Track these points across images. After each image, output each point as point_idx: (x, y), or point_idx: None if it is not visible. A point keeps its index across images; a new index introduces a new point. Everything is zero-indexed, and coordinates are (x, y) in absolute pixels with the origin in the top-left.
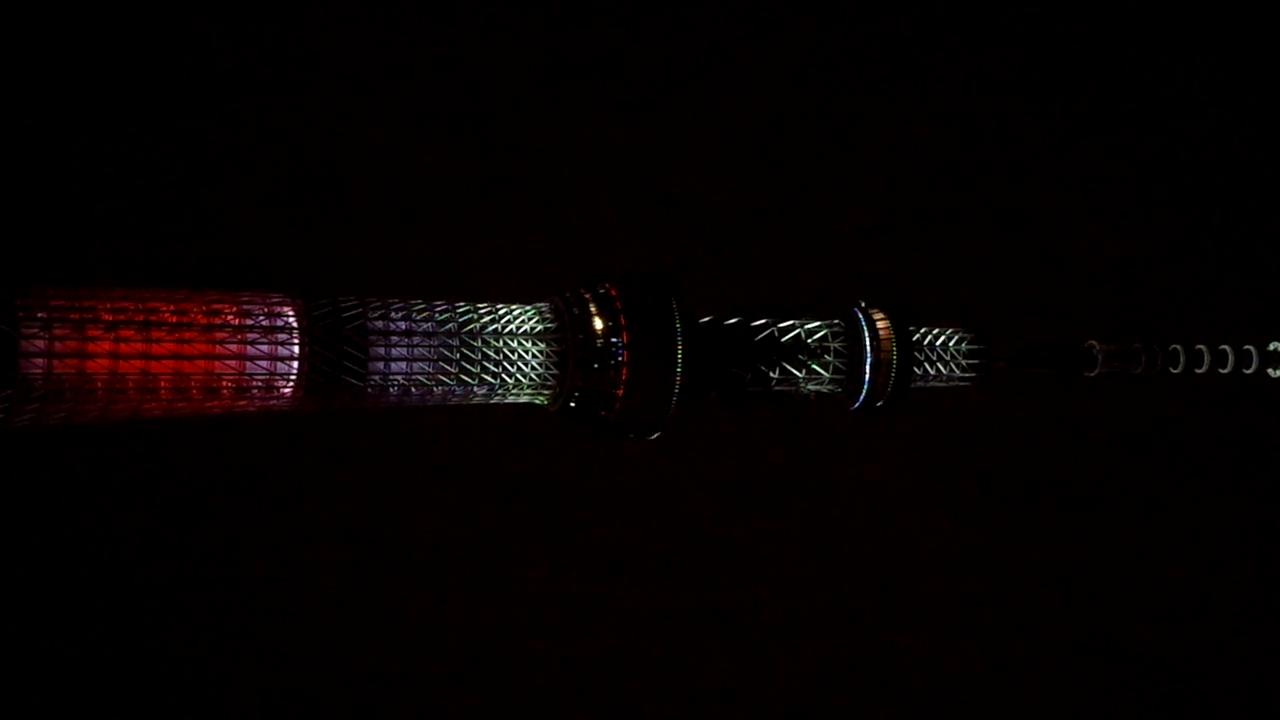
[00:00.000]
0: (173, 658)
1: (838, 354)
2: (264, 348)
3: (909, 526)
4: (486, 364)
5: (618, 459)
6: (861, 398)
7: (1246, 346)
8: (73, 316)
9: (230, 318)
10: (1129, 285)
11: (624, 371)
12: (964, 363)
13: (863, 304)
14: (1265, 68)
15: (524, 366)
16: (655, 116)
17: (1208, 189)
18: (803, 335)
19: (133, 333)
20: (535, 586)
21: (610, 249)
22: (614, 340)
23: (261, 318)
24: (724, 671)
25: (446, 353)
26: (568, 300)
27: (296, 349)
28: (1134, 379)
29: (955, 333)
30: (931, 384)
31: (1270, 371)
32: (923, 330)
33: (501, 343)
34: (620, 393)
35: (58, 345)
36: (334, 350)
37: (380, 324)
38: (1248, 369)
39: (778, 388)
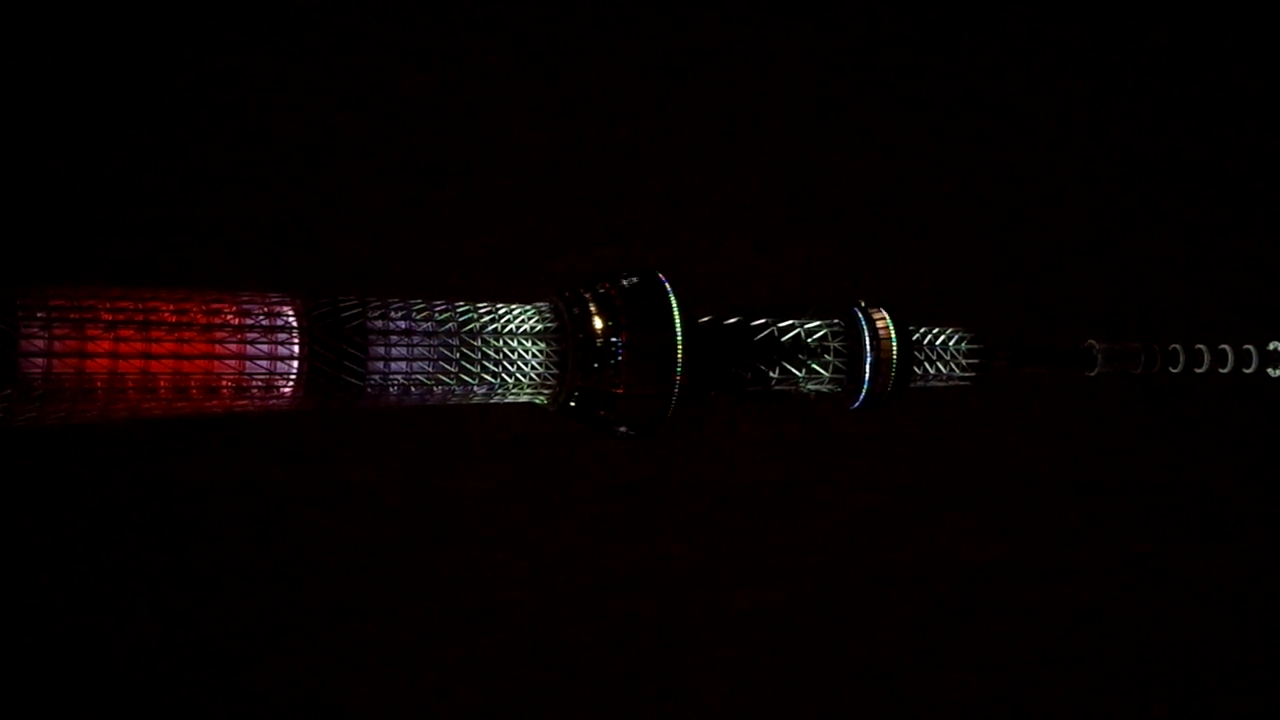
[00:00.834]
0: (172, 658)
1: (837, 353)
2: (264, 347)
3: (910, 525)
4: (486, 364)
5: (617, 459)
6: (861, 397)
7: (1246, 346)
8: (72, 316)
9: (230, 317)
10: (1129, 285)
11: (624, 371)
12: (964, 362)
13: (862, 304)
14: (1265, 67)
15: (524, 366)
16: (655, 116)
17: (1207, 189)
18: (802, 335)
19: (132, 332)
20: (535, 586)
21: (610, 249)
22: (614, 340)
23: (261, 317)
24: (724, 672)
25: (446, 352)
26: (568, 300)
27: (296, 348)
28: (1134, 379)
29: (955, 332)
30: (931, 383)
31: (1270, 371)
32: (923, 330)
33: (501, 342)
34: (620, 392)
35: (57, 345)
36: (334, 350)
37: (380, 323)
38: (1248, 369)
39: (777, 387)
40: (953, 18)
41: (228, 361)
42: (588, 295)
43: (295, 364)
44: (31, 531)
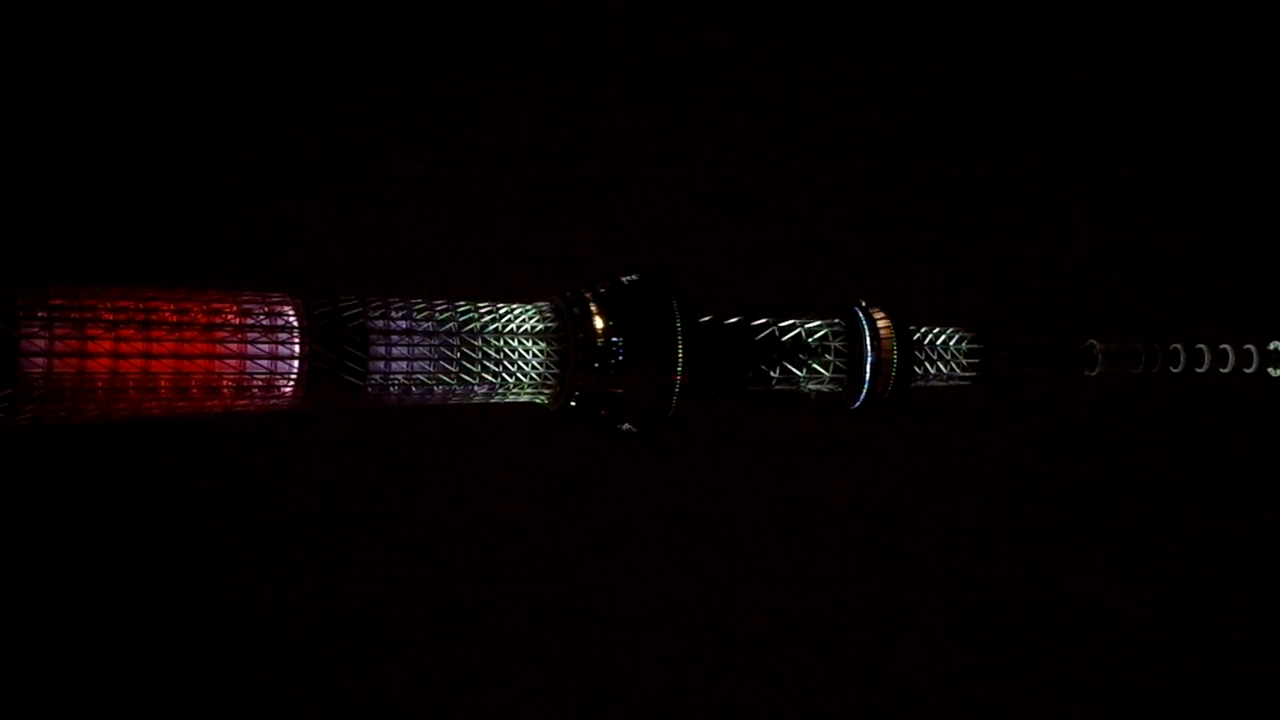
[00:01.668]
0: (172, 658)
1: (838, 353)
2: (264, 347)
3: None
4: (487, 363)
5: (617, 459)
6: (862, 397)
7: (1247, 346)
8: (73, 316)
9: (230, 317)
10: (1129, 285)
11: (624, 371)
12: (964, 362)
13: (863, 303)
14: (1265, 67)
15: (524, 366)
16: (655, 115)
17: (1208, 189)
18: (803, 334)
19: (133, 332)
20: (535, 586)
21: (610, 248)
22: (614, 339)
23: (262, 317)
24: (722, 674)
25: (447, 352)
26: (568, 299)
27: (297, 348)
28: (1134, 378)
29: (955, 332)
30: (932, 383)
31: (1270, 370)
32: (923, 330)
33: (502, 342)
34: (621, 392)
35: (58, 344)
36: (334, 349)
37: (380, 323)
38: (1248, 368)
39: (778, 387)
40: (953, 17)
41: (228, 361)
42: (588, 295)
43: (296, 364)
44: (32, 531)
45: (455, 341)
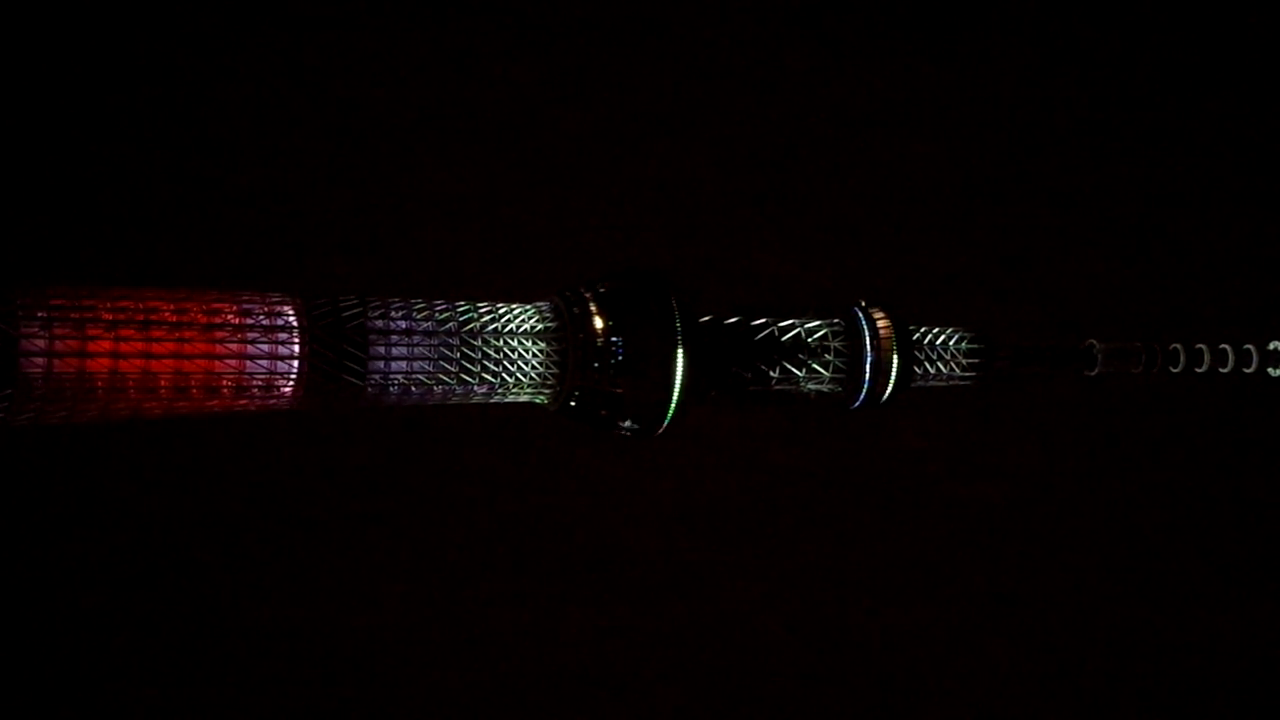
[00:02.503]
0: (172, 658)
1: (838, 353)
2: (264, 347)
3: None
4: (487, 363)
5: (617, 459)
6: (862, 397)
7: (1246, 346)
8: (73, 315)
9: (230, 317)
10: (1129, 285)
11: (624, 370)
12: (964, 362)
13: (863, 303)
14: (1265, 67)
15: (524, 366)
16: (655, 116)
17: (1208, 189)
18: (803, 334)
19: (133, 332)
20: (535, 586)
21: (610, 249)
22: (614, 339)
23: (261, 317)
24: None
25: (447, 352)
26: (568, 299)
27: (297, 348)
28: (1134, 378)
29: (955, 332)
30: (932, 383)
31: (1270, 370)
32: (923, 329)
33: (502, 342)
34: (621, 392)
35: (58, 344)
36: (334, 349)
37: (380, 323)
38: (1248, 368)
39: (778, 387)
40: (953, 17)
41: (228, 361)
42: (588, 295)
43: (295, 364)
44: (32, 532)
45: (455, 341)
